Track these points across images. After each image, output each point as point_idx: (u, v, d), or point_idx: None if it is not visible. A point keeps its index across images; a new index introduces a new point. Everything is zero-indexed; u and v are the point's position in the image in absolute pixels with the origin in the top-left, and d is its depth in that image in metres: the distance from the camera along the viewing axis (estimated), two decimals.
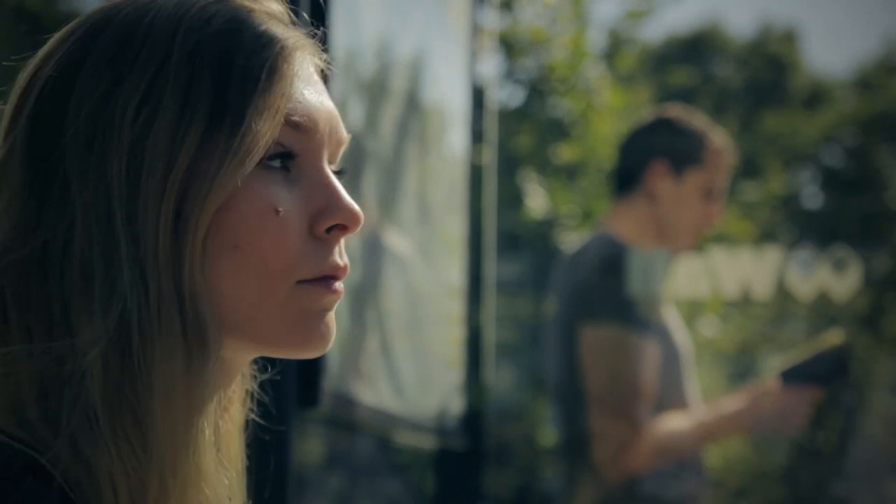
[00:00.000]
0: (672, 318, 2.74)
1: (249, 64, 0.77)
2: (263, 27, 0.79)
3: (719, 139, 2.73)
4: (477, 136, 3.10)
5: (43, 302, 0.74)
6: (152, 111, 0.75)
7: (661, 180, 2.69)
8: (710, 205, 2.69)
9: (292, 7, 0.85)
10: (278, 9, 0.83)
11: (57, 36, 0.79)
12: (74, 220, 0.74)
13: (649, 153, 2.71)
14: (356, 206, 0.80)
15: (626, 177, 2.74)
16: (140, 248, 0.73)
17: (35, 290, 0.74)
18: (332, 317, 0.81)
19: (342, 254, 0.81)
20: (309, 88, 0.80)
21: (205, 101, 0.75)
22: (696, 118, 2.76)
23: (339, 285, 0.80)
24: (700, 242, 2.79)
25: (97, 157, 0.75)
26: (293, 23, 0.83)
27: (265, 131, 0.76)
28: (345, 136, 0.82)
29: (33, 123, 0.76)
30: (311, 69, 0.81)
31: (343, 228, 0.80)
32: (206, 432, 0.74)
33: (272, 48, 0.78)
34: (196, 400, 0.73)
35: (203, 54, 0.76)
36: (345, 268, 0.80)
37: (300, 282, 0.78)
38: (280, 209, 0.77)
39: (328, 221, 0.79)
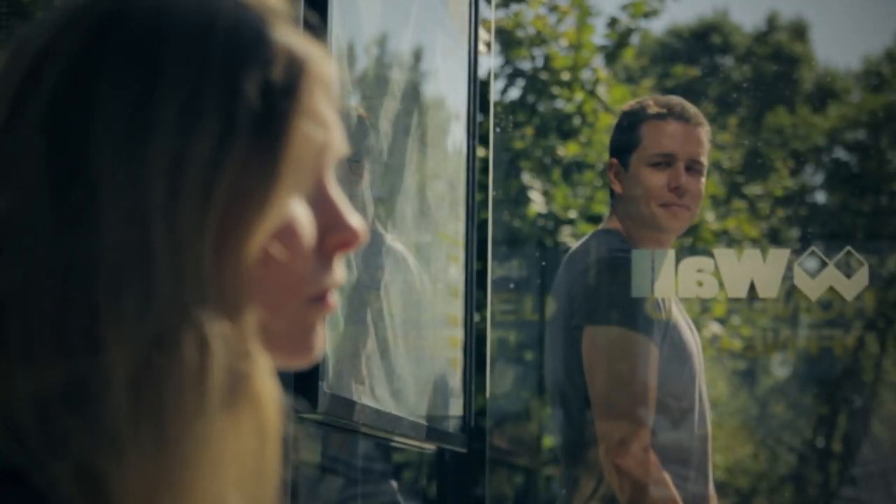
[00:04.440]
0: (682, 317, 2.72)
1: (288, 76, 0.74)
2: (290, 38, 0.76)
3: (663, 102, 2.77)
4: (477, 132, 3.07)
5: (57, 315, 0.68)
6: (195, 117, 0.70)
7: (616, 178, 2.74)
8: (661, 173, 2.71)
9: (290, 2, 0.81)
10: (286, 11, 0.79)
11: (55, 20, 0.73)
12: (103, 227, 0.69)
13: (610, 154, 2.82)
14: (361, 225, 0.79)
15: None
16: (180, 259, 0.69)
17: (48, 302, 0.69)
18: (323, 326, 0.81)
19: (342, 268, 0.80)
20: (325, 101, 0.77)
21: (249, 114, 0.72)
22: (647, 100, 2.83)
23: (334, 299, 0.79)
24: (679, 220, 2.78)
25: (132, 161, 0.70)
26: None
27: (310, 148, 0.74)
28: (345, 148, 0.80)
29: (51, 119, 0.71)
30: None
31: (347, 246, 0.78)
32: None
33: (305, 59, 0.75)
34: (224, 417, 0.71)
35: (241, 63, 0.72)
36: (341, 282, 0.80)
37: (307, 298, 0.77)
38: (301, 227, 0.75)
39: (336, 240, 0.78)
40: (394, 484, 3.49)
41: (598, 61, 4.95)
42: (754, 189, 8.78)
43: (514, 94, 4.82)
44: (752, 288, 2.83)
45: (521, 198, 4.42)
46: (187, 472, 0.69)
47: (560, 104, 4.83)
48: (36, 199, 0.69)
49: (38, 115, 0.71)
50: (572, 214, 4.45)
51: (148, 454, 0.68)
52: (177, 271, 0.69)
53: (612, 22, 5.30)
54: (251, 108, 0.72)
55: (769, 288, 2.81)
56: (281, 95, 0.73)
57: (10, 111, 0.72)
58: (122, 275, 0.68)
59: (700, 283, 2.78)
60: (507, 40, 4.45)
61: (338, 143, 0.78)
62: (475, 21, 3.07)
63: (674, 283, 2.74)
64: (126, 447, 0.67)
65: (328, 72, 0.77)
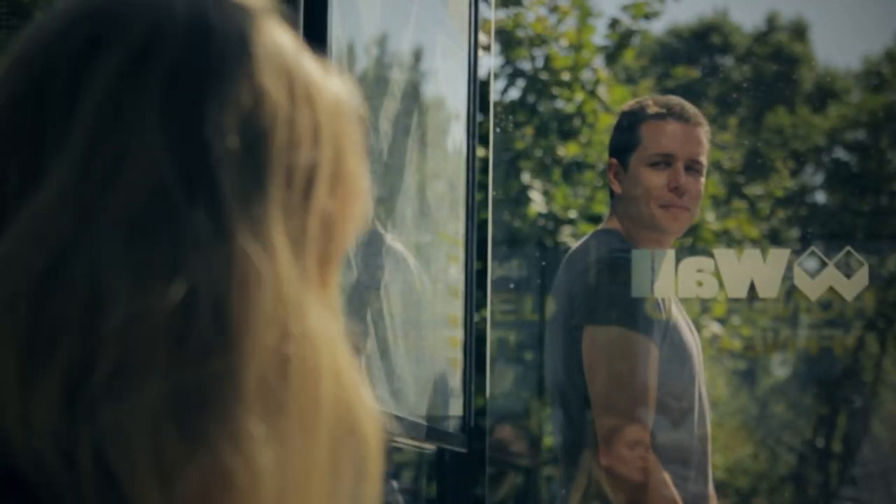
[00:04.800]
0: (682, 317, 2.72)
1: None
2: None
3: (663, 102, 2.77)
4: (476, 132, 3.07)
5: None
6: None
7: (615, 178, 2.73)
8: (660, 173, 2.71)
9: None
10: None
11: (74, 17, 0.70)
12: (230, 248, 0.67)
13: (609, 154, 2.81)
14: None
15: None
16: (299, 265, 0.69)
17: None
18: None
19: None
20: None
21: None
22: (647, 100, 2.82)
23: None
24: (678, 222, 2.78)
25: (254, 178, 0.68)
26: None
27: None
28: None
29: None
30: None
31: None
32: None
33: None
34: None
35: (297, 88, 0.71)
36: None
37: None
38: None
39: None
40: (394, 484, 3.49)
41: (599, 62, 4.95)
42: (754, 189, 8.78)
43: (515, 94, 4.82)
44: (752, 288, 2.82)
45: (521, 198, 4.42)
46: (312, 472, 0.68)
47: (560, 104, 4.83)
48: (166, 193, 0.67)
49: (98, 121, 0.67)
50: (572, 214, 4.45)
51: (276, 453, 0.66)
52: (300, 275, 0.69)
53: (613, 23, 5.30)
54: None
55: (769, 288, 2.81)
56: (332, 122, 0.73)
57: (65, 117, 0.68)
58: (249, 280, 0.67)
59: (700, 283, 2.78)
60: (508, 40, 4.45)
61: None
62: (475, 21, 3.07)
63: (674, 283, 2.74)
64: (255, 448, 0.65)
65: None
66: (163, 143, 0.66)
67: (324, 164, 0.71)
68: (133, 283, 0.65)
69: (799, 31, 16.43)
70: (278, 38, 0.71)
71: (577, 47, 4.50)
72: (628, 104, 2.93)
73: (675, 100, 2.79)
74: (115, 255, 0.65)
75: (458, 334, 2.94)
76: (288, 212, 0.69)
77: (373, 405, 0.73)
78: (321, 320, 0.69)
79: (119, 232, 0.66)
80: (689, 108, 2.79)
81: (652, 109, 2.75)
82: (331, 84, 0.73)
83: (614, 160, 2.76)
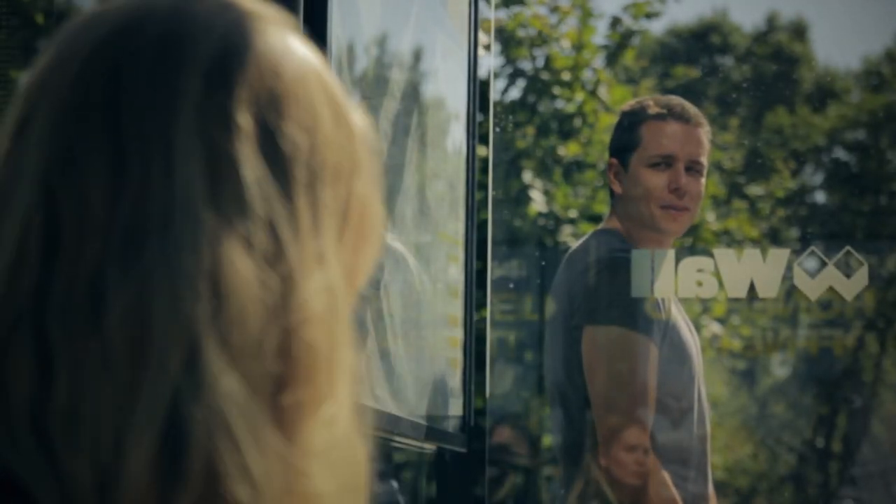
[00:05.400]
0: (681, 317, 2.72)
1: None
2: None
3: (664, 102, 2.77)
4: (476, 132, 3.07)
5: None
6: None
7: (615, 178, 2.74)
8: (660, 174, 2.71)
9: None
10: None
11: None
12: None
13: (610, 153, 2.81)
14: None
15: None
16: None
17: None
18: None
19: None
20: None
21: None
22: (648, 100, 2.82)
23: None
24: (678, 223, 2.78)
25: (278, 175, 0.68)
26: None
27: None
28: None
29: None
30: None
31: None
32: None
33: None
34: None
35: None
36: None
37: None
38: None
39: None
40: (394, 484, 3.49)
41: (599, 62, 4.95)
42: (754, 189, 8.78)
43: (515, 94, 4.81)
44: (751, 288, 2.82)
45: (522, 197, 4.42)
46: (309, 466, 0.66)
47: (561, 104, 4.83)
48: (266, 230, 0.66)
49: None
50: (573, 214, 4.44)
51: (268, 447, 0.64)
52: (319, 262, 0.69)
53: (614, 22, 5.30)
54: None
55: (769, 288, 2.81)
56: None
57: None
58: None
59: (700, 283, 2.78)
60: (508, 40, 4.45)
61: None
62: (475, 21, 3.07)
63: (674, 283, 2.74)
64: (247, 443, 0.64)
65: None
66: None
67: (357, 200, 0.71)
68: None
69: (799, 31, 16.42)
70: (315, 64, 0.71)
71: (577, 47, 4.50)
72: (629, 104, 2.92)
73: (675, 100, 2.79)
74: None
75: (458, 334, 2.93)
76: (339, 243, 0.70)
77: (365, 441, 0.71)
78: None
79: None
80: (690, 108, 2.78)
81: (653, 110, 2.75)
82: (356, 114, 0.74)
83: (615, 160, 2.76)
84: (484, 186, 3.16)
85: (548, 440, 4.05)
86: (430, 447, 3.00)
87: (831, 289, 2.86)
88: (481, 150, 3.09)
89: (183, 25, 0.68)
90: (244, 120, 0.66)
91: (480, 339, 3.06)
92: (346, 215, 0.71)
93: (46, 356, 0.63)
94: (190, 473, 0.61)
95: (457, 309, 2.93)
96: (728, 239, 6.15)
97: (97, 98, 0.66)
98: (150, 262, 0.63)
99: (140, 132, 0.65)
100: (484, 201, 3.19)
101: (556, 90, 4.71)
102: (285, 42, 0.70)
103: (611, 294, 2.65)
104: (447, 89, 2.95)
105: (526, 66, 4.68)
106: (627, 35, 5.25)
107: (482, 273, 3.10)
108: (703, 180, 2.76)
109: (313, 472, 0.65)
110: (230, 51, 0.68)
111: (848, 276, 2.87)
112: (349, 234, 0.71)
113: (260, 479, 0.62)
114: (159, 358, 0.62)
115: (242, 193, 0.65)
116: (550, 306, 2.83)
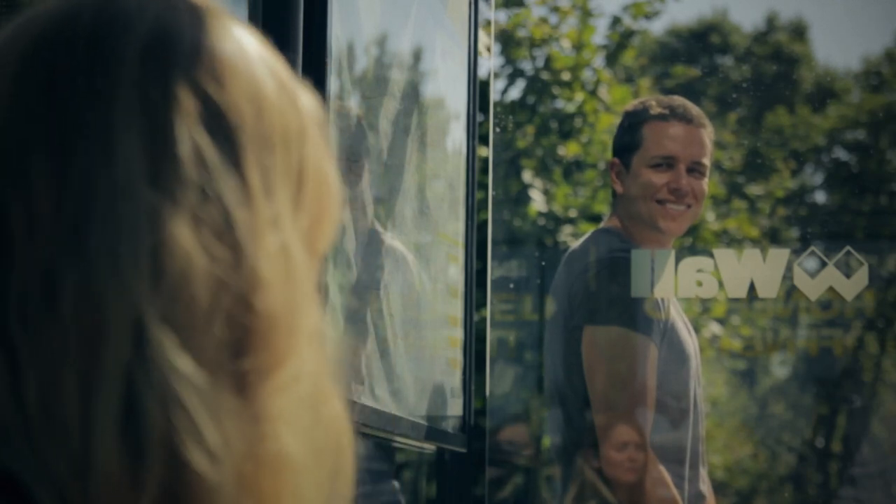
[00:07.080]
0: (680, 318, 2.72)
1: None
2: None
3: (666, 103, 2.77)
4: (476, 132, 3.06)
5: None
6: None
7: (617, 178, 2.74)
8: (661, 174, 2.71)
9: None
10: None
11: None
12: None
13: (612, 153, 2.82)
14: None
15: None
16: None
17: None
18: None
19: None
20: None
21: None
22: (650, 100, 2.82)
23: None
24: (679, 223, 2.78)
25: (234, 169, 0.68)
26: None
27: None
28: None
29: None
30: None
31: None
32: None
33: None
34: None
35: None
36: None
37: None
38: None
39: None
40: (394, 484, 3.49)
41: (599, 61, 4.95)
42: (754, 189, 8.78)
43: (515, 94, 4.81)
44: (751, 288, 2.83)
45: (522, 197, 4.42)
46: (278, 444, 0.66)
47: (560, 104, 4.83)
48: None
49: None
50: (573, 214, 4.45)
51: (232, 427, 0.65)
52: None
53: (614, 22, 5.30)
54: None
55: (769, 288, 2.81)
56: None
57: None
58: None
59: (700, 283, 2.78)
60: (508, 40, 4.44)
61: None
62: (475, 21, 3.06)
63: (674, 283, 2.74)
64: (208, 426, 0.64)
65: None
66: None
67: (311, 165, 0.71)
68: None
69: (799, 31, 16.42)
70: (255, 43, 0.72)
71: (577, 47, 4.50)
72: (632, 104, 2.93)
73: (678, 100, 2.79)
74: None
75: (458, 334, 2.93)
76: (296, 209, 0.70)
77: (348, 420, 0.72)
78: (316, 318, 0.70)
79: None
80: (693, 108, 2.78)
81: (655, 110, 2.75)
82: (303, 90, 0.74)
83: (616, 160, 2.76)
84: (484, 186, 3.16)
85: (548, 440, 4.06)
86: (430, 447, 3.00)
87: (831, 289, 2.86)
88: (481, 150, 3.09)
89: (117, 10, 0.68)
90: (184, 95, 0.66)
91: (480, 339, 3.06)
92: (300, 180, 0.71)
93: (12, 354, 0.64)
94: (151, 451, 0.62)
95: (457, 309, 2.93)
96: (728, 239, 6.15)
97: (36, 94, 0.67)
98: (96, 247, 0.63)
99: (81, 121, 0.66)
100: (484, 201, 3.19)
101: (556, 90, 4.71)
102: (221, 21, 0.71)
103: (611, 294, 2.65)
104: (447, 89, 2.95)
105: (526, 66, 4.68)
106: (627, 35, 5.25)
107: (482, 273, 3.10)
108: (706, 180, 2.76)
109: (278, 434, 0.65)
110: (166, 30, 0.68)
111: (848, 276, 2.87)
112: (305, 198, 0.71)
113: (216, 447, 0.63)
114: (111, 341, 0.63)
115: (183, 168, 0.65)
116: (550, 306, 2.83)
